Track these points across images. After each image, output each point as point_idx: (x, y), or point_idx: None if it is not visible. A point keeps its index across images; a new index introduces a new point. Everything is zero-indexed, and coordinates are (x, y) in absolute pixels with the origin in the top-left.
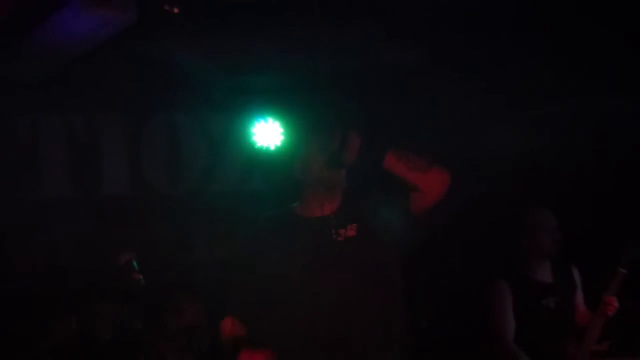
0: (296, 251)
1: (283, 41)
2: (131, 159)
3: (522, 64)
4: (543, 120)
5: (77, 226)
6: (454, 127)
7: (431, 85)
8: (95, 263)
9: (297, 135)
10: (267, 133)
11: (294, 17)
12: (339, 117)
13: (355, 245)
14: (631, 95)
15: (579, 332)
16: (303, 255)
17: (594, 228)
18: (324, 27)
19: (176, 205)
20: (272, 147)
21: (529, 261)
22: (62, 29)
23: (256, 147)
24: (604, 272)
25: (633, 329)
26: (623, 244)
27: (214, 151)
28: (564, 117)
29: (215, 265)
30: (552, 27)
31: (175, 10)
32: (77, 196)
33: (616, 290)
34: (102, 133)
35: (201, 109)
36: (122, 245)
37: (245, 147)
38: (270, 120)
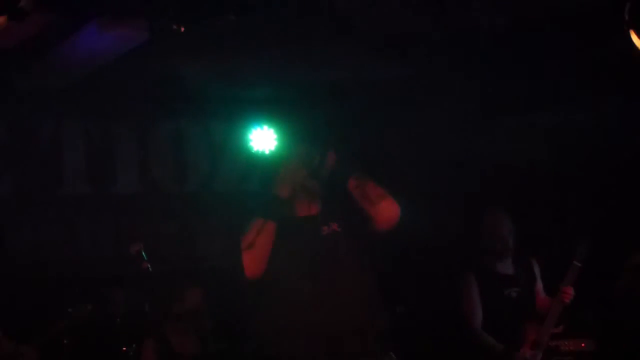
0: (290, 247)
1: (277, 58)
2: (141, 162)
3: (485, 80)
4: (510, 129)
5: (93, 220)
6: (430, 138)
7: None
8: (109, 253)
9: (284, 151)
10: (263, 139)
11: (289, 36)
12: (320, 137)
13: (339, 239)
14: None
15: (540, 317)
16: (296, 249)
17: (553, 227)
18: (312, 46)
19: (181, 202)
20: (267, 152)
21: (491, 257)
22: (83, 46)
23: (253, 151)
24: (562, 265)
25: (584, 314)
26: (578, 240)
27: (215, 155)
28: (525, 128)
29: (215, 257)
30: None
31: (182, 29)
32: (93, 193)
33: (572, 281)
34: (116, 138)
35: (204, 117)
36: (132, 237)
37: (243, 152)
38: (265, 127)
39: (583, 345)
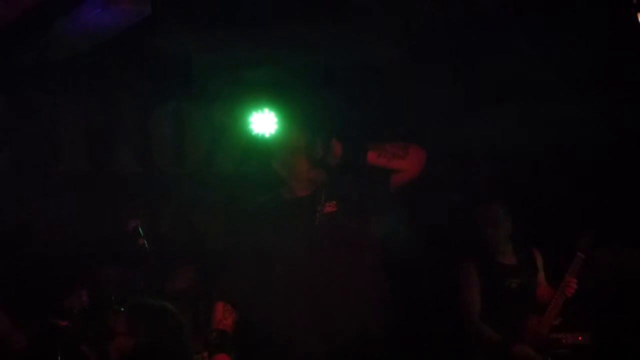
0: (283, 231)
1: (280, 39)
2: (141, 141)
3: (496, 62)
4: (514, 118)
5: (92, 198)
6: (432, 124)
7: (414, 83)
8: (106, 231)
9: (282, 139)
10: (263, 122)
11: (291, 17)
12: (322, 124)
13: (335, 219)
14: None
15: (541, 309)
16: (289, 233)
17: (556, 217)
18: (316, 26)
19: (179, 183)
20: (267, 135)
21: (490, 246)
22: (85, 20)
23: (252, 134)
24: (565, 256)
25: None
26: (582, 231)
27: (214, 137)
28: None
29: (212, 239)
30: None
31: None
32: (92, 171)
33: (575, 273)
34: (116, 116)
35: (204, 99)
36: (130, 216)
37: (243, 134)
38: (266, 110)
39: (580, 338)
